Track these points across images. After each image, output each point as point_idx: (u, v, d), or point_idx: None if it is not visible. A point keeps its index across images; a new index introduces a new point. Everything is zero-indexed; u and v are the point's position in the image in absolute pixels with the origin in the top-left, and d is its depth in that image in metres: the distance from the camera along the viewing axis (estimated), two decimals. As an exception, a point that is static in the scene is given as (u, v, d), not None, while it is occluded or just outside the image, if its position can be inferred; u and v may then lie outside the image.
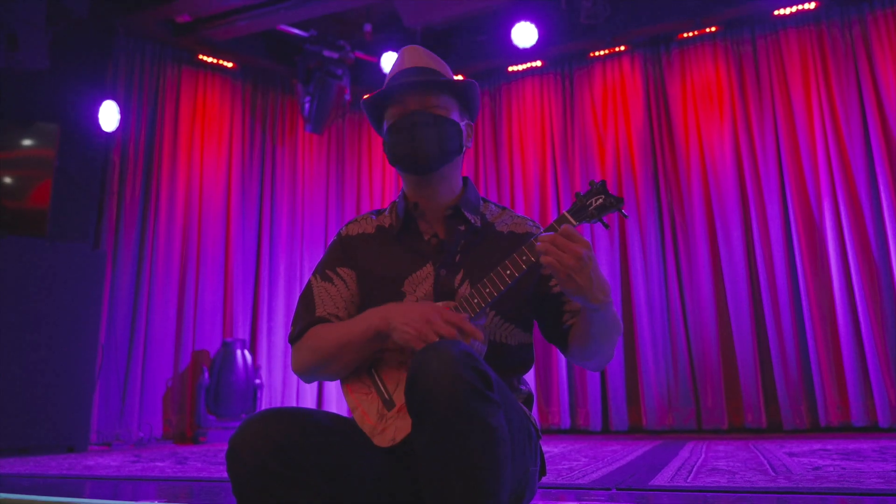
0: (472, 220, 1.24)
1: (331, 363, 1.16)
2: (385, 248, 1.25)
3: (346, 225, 1.32)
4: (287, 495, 0.98)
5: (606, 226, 1.14)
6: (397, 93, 1.22)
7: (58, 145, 4.01)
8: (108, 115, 4.36)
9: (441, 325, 1.03)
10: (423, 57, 1.28)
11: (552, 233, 1.07)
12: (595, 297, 1.05)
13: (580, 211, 1.11)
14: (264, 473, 0.97)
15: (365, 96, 1.31)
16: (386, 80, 1.29)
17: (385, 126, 1.25)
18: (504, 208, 1.32)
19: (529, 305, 1.23)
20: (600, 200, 1.11)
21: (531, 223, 1.29)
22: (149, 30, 4.78)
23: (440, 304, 1.11)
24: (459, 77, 1.34)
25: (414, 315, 1.06)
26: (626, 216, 1.13)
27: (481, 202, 1.30)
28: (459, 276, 1.19)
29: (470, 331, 1.05)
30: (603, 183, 1.12)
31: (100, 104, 4.35)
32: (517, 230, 1.26)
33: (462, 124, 1.26)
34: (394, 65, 1.29)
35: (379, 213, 1.32)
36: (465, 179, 1.30)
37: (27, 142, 4.05)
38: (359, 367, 1.17)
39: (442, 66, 1.29)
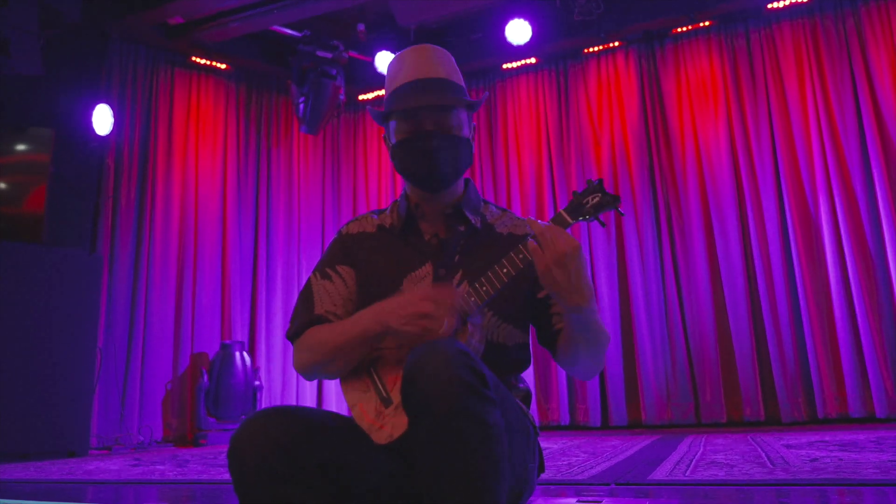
0: (473, 220, 1.25)
1: (329, 364, 1.17)
2: (385, 246, 1.26)
3: (347, 224, 1.32)
4: (288, 493, 0.98)
5: (603, 224, 1.15)
6: (412, 110, 1.18)
7: (52, 150, 4.00)
8: (103, 119, 4.36)
9: (437, 312, 1.05)
10: (435, 62, 1.22)
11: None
12: (571, 299, 1.06)
13: (577, 209, 1.13)
14: (265, 472, 0.97)
15: (374, 105, 1.26)
16: (395, 80, 1.23)
17: (396, 137, 1.21)
18: (505, 210, 1.33)
19: (527, 306, 1.24)
20: (597, 199, 1.12)
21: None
22: (141, 33, 4.77)
23: (425, 288, 1.12)
24: (461, 74, 1.28)
25: (408, 312, 1.06)
26: (622, 214, 1.15)
27: (482, 203, 1.31)
28: (458, 276, 1.20)
29: (462, 305, 1.07)
30: (600, 181, 1.14)
31: (94, 108, 4.34)
32: (516, 231, 1.27)
33: (471, 135, 1.26)
34: (403, 64, 1.23)
35: (380, 212, 1.33)
36: (466, 180, 1.31)
37: (22, 147, 4.04)
38: (358, 365, 1.18)
39: (452, 67, 1.25)
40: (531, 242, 1.07)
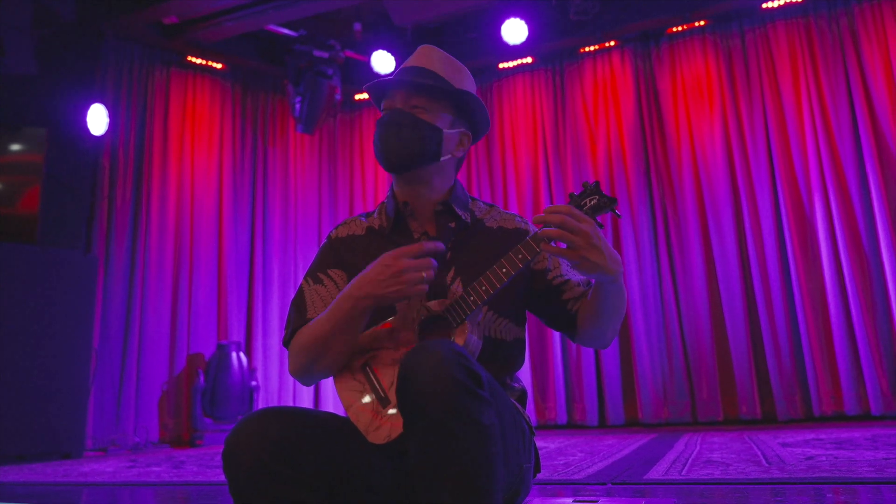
0: (463, 216, 1.25)
1: (321, 357, 1.15)
2: (375, 248, 1.25)
3: (336, 227, 1.33)
4: (284, 494, 0.97)
5: (600, 225, 1.15)
6: (387, 88, 1.25)
7: (46, 150, 3.99)
8: (97, 119, 4.34)
9: (413, 263, 1.06)
10: (432, 58, 1.28)
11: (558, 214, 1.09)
12: (610, 270, 1.08)
13: None
14: (261, 472, 0.97)
15: (369, 84, 1.32)
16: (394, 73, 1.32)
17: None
18: (492, 206, 1.34)
19: (522, 301, 1.25)
20: (594, 201, 1.12)
21: (519, 219, 1.32)
22: (137, 32, 4.76)
23: (393, 252, 1.11)
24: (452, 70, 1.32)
25: (387, 275, 1.08)
26: (619, 216, 1.15)
27: (469, 200, 1.31)
28: (451, 274, 1.20)
29: (430, 248, 1.09)
30: (597, 184, 1.14)
31: (88, 108, 4.32)
32: (506, 225, 1.29)
33: (451, 131, 1.25)
34: (409, 58, 1.32)
35: (368, 215, 1.33)
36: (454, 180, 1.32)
37: (15, 147, 4.02)
38: (353, 365, 1.18)
39: (453, 69, 1.28)
40: (554, 245, 1.07)
